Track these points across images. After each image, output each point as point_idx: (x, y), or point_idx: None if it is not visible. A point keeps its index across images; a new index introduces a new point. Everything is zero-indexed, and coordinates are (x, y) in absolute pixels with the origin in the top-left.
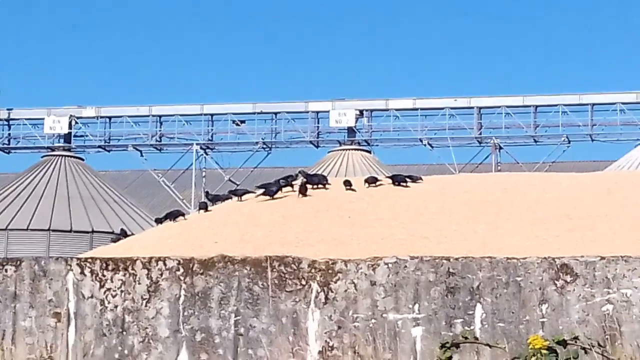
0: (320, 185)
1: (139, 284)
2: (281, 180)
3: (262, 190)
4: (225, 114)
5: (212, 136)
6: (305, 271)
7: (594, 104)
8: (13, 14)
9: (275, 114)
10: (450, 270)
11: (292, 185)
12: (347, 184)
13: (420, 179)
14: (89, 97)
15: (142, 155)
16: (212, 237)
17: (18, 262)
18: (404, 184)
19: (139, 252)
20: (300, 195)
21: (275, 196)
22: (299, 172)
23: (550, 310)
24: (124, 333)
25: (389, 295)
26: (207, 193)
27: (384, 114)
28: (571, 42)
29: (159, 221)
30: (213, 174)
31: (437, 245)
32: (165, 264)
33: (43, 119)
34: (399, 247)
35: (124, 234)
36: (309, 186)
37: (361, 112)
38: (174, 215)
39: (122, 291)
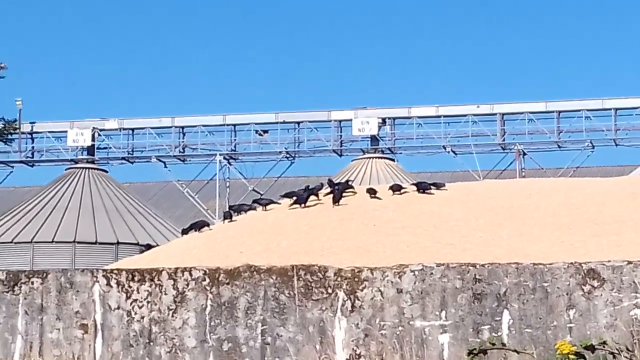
0: (348, 191)
1: (165, 294)
2: (308, 189)
3: (290, 199)
4: (248, 124)
5: (235, 146)
6: (331, 279)
7: (617, 109)
8: (36, 27)
9: (298, 123)
10: (477, 276)
11: (317, 195)
12: (371, 192)
13: (444, 185)
14: (112, 110)
15: (165, 167)
16: (238, 247)
17: (44, 274)
18: (429, 191)
19: (164, 263)
20: (336, 204)
21: (301, 205)
22: (329, 180)
23: (577, 316)
24: (151, 344)
25: (416, 302)
26: (230, 207)
27: (406, 121)
28: (594, 46)
29: (184, 232)
30: (237, 184)
31: (463, 252)
32: (191, 275)
33: (66, 131)
34: (424, 255)
35: (148, 249)
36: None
37: (384, 120)
38: (199, 226)
39: (148, 302)
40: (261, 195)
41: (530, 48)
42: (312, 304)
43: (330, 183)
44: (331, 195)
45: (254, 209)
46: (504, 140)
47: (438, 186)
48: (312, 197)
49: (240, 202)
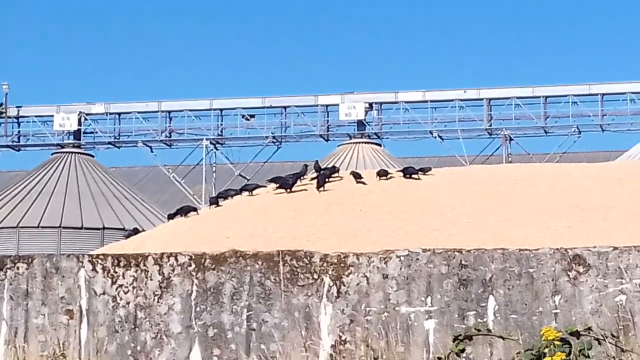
0: (335, 176)
1: (151, 280)
2: (294, 174)
3: (275, 185)
4: (235, 108)
5: (221, 131)
6: (317, 265)
7: (604, 94)
8: (21, 12)
9: (285, 108)
10: (463, 262)
11: (301, 179)
12: (357, 176)
13: (430, 170)
14: (98, 94)
15: (152, 151)
16: (224, 232)
17: (30, 260)
18: (415, 176)
19: (150, 248)
20: (320, 189)
21: (287, 190)
22: (316, 163)
23: (563, 302)
24: (137, 329)
25: (402, 288)
26: (218, 194)
27: (393, 106)
28: (580, 32)
29: (170, 217)
30: (223, 169)
31: (449, 238)
32: (177, 260)
33: (52, 116)
34: (410, 240)
35: (135, 233)
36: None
37: (371, 105)
38: (185, 211)
39: (134, 287)
40: (247, 180)
41: (516, 33)
42: (298, 290)
43: (317, 167)
44: (316, 181)
45: (240, 193)
46: (490, 125)
47: (424, 171)
48: (298, 182)
49: (227, 187)
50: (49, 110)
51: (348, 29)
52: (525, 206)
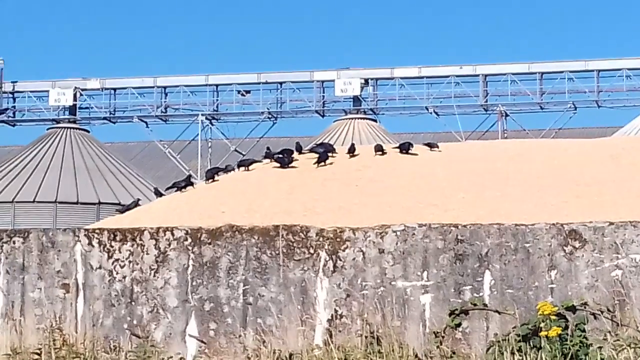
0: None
1: (147, 254)
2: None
3: (269, 160)
4: (230, 84)
5: (217, 107)
6: (313, 240)
7: (599, 70)
8: None
9: (281, 83)
10: (459, 237)
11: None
12: (351, 150)
13: (437, 146)
14: (93, 69)
15: (147, 127)
16: (220, 207)
17: (26, 234)
18: (411, 151)
19: (146, 223)
20: (322, 164)
21: (283, 165)
22: (297, 144)
23: (559, 276)
24: (133, 303)
25: (398, 263)
26: (207, 171)
27: (389, 82)
28: (576, 7)
29: (169, 189)
30: (219, 145)
31: (445, 213)
32: (173, 234)
33: (48, 91)
34: (407, 215)
35: (136, 204)
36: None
37: (366, 80)
38: (182, 185)
39: (130, 262)
40: (243, 155)
41: (513, 9)
42: (294, 264)
43: (298, 148)
44: (315, 155)
45: (232, 170)
46: (486, 101)
47: (431, 146)
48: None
49: (223, 162)
50: (44, 85)
51: (344, 5)
52: (521, 182)
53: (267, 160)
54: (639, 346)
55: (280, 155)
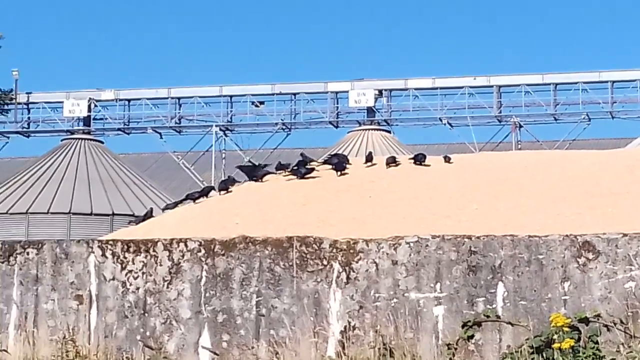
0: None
1: (161, 265)
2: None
3: (283, 171)
4: (244, 95)
5: (231, 117)
6: (326, 251)
7: (613, 81)
8: None
9: (295, 94)
10: (472, 248)
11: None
12: (369, 159)
13: (450, 158)
14: (108, 80)
15: (161, 138)
16: (233, 218)
17: (40, 245)
18: (425, 163)
19: (159, 234)
20: (339, 173)
21: (297, 176)
22: (301, 154)
23: (572, 288)
24: (146, 315)
25: (411, 274)
26: (221, 182)
27: (403, 93)
28: (590, 18)
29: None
30: (233, 156)
31: (459, 224)
32: (186, 246)
33: (62, 102)
34: (420, 226)
35: (151, 213)
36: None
37: (380, 92)
38: (205, 192)
39: (143, 273)
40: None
41: (526, 20)
42: (307, 276)
43: (305, 158)
44: (328, 166)
45: (267, 172)
46: (500, 112)
47: (446, 159)
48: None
49: (237, 173)
50: (58, 96)
51: (358, 16)
52: (535, 193)
53: (280, 171)
54: None
55: (296, 167)
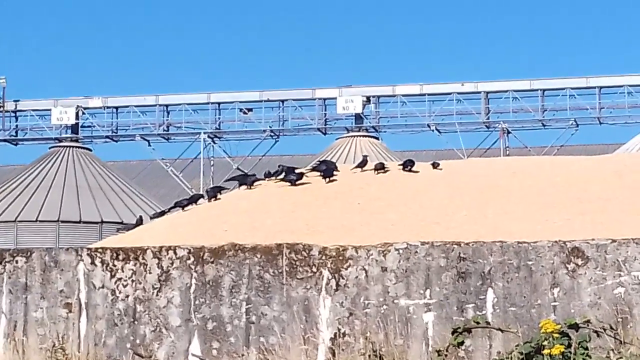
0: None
1: (150, 273)
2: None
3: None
4: (233, 102)
5: (219, 125)
6: (316, 258)
7: (601, 87)
8: (18, 5)
9: (282, 101)
10: (461, 255)
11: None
12: (362, 164)
13: (439, 165)
14: (96, 88)
15: (149, 145)
16: (222, 226)
17: (29, 253)
18: (413, 169)
19: (149, 242)
20: (327, 180)
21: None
22: (279, 165)
23: (561, 294)
24: (136, 323)
25: (400, 281)
26: (210, 189)
27: (391, 100)
28: (578, 24)
29: (181, 206)
30: (221, 163)
31: (448, 231)
32: (175, 253)
33: (50, 110)
34: (409, 233)
35: (141, 221)
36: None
37: (368, 98)
38: (194, 199)
39: (133, 281)
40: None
41: (515, 26)
42: (297, 283)
43: (283, 169)
44: (317, 173)
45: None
46: (488, 118)
47: (435, 166)
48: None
49: (225, 180)
50: (46, 104)
51: (345, 22)
52: (524, 199)
53: (273, 178)
54: None
55: (286, 175)
